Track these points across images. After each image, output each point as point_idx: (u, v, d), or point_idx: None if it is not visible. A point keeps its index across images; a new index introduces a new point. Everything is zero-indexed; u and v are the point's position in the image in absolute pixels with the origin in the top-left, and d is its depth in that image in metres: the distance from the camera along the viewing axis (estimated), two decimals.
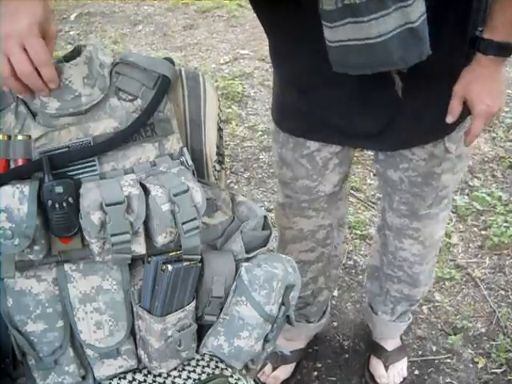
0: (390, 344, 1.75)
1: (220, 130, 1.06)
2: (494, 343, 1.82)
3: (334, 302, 1.96)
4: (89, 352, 0.96)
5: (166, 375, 1.00)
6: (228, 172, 2.59)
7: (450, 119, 1.16)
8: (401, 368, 1.74)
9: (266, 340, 1.02)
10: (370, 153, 2.25)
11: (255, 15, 1.20)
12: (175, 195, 0.87)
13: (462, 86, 1.12)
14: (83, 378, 0.98)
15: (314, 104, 1.23)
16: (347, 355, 1.81)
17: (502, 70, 1.12)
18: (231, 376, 1.01)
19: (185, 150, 0.96)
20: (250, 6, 1.18)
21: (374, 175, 2.41)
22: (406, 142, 1.27)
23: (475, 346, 1.82)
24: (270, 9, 1.15)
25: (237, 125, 2.94)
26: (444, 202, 1.42)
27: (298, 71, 1.21)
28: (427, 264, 1.56)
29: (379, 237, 1.60)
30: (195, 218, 0.89)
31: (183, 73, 1.00)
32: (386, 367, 1.72)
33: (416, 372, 1.76)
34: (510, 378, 1.72)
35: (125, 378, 0.99)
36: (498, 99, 1.12)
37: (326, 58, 1.02)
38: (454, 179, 1.37)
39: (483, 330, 1.87)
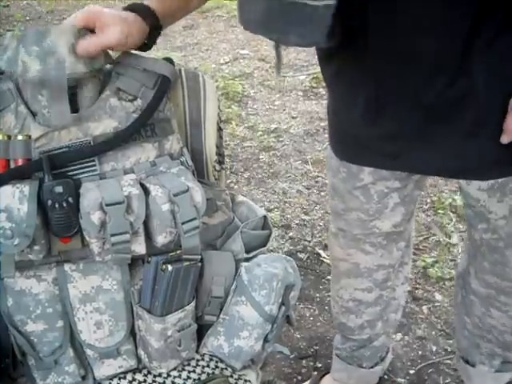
0: None
1: (220, 129, 1.06)
2: None
3: None
4: (89, 352, 0.96)
5: (165, 375, 1.00)
6: (228, 172, 2.59)
7: (504, 139, 0.97)
8: None
9: (265, 340, 1.02)
10: None
11: None
12: (175, 195, 0.87)
13: None
14: (83, 378, 0.98)
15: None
16: None
17: None
18: (231, 376, 1.01)
19: (185, 150, 0.96)
20: None
21: None
22: (461, 166, 1.07)
23: None
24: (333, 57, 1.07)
25: (237, 125, 2.95)
26: None
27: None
28: None
29: (460, 296, 1.42)
30: (195, 218, 0.89)
31: (183, 73, 1.00)
32: None
33: (416, 372, 1.76)
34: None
35: (125, 378, 0.99)
36: None
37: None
38: None
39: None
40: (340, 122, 1.18)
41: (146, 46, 0.97)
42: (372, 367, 1.58)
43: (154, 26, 0.94)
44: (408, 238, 1.37)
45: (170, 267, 0.90)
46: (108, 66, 0.94)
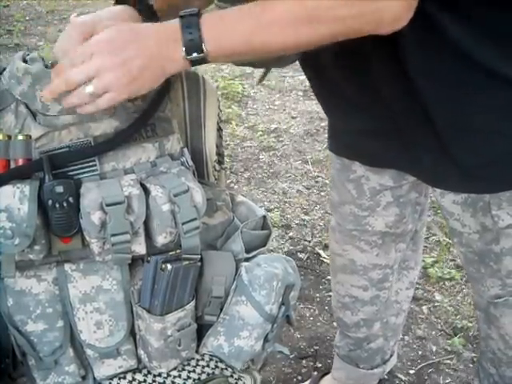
0: None
1: (220, 129, 1.06)
2: None
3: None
4: (89, 352, 0.96)
5: (165, 375, 1.00)
6: (228, 172, 2.59)
7: None
8: None
9: (265, 340, 1.02)
10: None
11: None
12: (175, 195, 0.87)
13: None
14: (83, 377, 0.98)
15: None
16: None
17: None
18: (231, 376, 1.01)
19: (185, 150, 0.96)
20: None
21: None
22: (435, 176, 1.07)
23: (475, 346, 1.82)
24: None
25: (237, 125, 2.95)
26: None
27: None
28: None
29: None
30: (195, 218, 0.89)
31: (183, 73, 1.00)
32: None
33: (416, 372, 1.76)
34: None
35: (125, 377, 0.99)
36: None
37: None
38: None
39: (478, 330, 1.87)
40: (328, 116, 1.22)
41: None
42: (371, 369, 1.57)
43: (148, 16, 0.94)
44: (413, 242, 1.37)
45: (169, 266, 0.90)
46: None
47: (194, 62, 0.79)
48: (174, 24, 0.77)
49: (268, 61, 0.93)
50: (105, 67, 0.77)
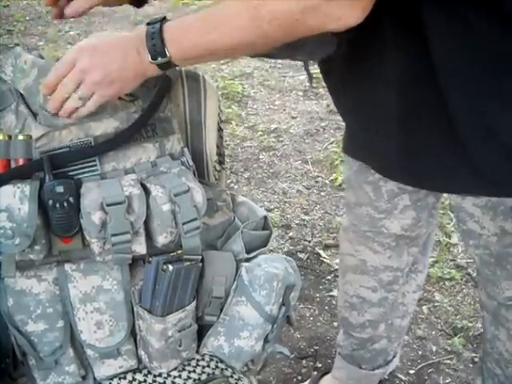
0: None
1: (220, 129, 1.06)
2: None
3: (333, 302, 1.96)
4: (89, 352, 0.96)
5: (166, 375, 1.00)
6: (228, 172, 2.59)
7: None
8: None
9: (266, 340, 1.02)
10: None
11: None
12: (176, 195, 0.87)
13: None
14: (83, 377, 0.98)
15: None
16: None
17: None
18: (231, 376, 1.01)
19: (185, 150, 0.96)
20: None
21: None
22: (450, 181, 1.04)
23: (475, 346, 1.82)
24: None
25: (237, 125, 2.95)
26: None
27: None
28: None
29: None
30: (196, 219, 0.89)
31: (183, 73, 1.00)
32: None
33: (416, 372, 1.76)
34: None
35: (125, 378, 0.99)
36: None
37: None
38: None
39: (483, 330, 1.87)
40: (344, 120, 1.21)
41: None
42: (373, 370, 1.57)
43: None
44: (424, 246, 1.37)
45: (170, 267, 0.90)
46: None
47: (161, 66, 0.83)
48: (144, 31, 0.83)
49: (285, 52, 0.93)
50: (88, 68, 0.83)
